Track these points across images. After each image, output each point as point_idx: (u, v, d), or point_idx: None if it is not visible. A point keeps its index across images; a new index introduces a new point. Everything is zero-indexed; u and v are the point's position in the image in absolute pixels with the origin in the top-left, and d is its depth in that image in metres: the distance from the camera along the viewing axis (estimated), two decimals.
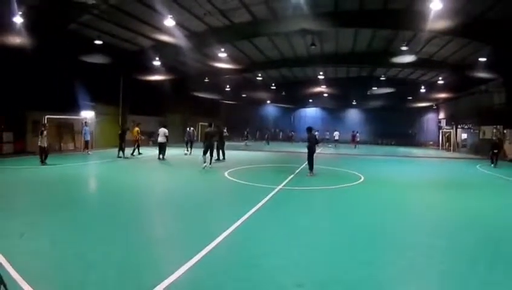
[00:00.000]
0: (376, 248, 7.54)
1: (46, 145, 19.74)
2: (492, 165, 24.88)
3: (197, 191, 14.00)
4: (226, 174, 17.55)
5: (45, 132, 19.77)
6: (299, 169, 20.48)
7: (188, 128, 30.41)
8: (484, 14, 24.14)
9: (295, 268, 6.24)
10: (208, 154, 19.24)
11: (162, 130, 24.42)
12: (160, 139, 24.38)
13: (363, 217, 10.27)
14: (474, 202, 12.93)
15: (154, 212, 10.77)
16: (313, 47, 32.71)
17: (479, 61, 31.41)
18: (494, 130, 35.25)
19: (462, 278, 6.02)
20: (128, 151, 25.68)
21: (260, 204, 11.05)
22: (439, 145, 52.30)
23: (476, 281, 5.88)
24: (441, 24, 24.87)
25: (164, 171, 20.47)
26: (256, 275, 5.91)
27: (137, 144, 26.69)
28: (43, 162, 19.31)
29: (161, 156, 24.20)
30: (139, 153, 26.66)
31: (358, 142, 47.74)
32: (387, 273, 6.21)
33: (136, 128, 27.02)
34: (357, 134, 48.72)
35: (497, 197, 14.31)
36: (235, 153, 30.34)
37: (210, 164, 19.05)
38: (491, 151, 25.53)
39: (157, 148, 25.16)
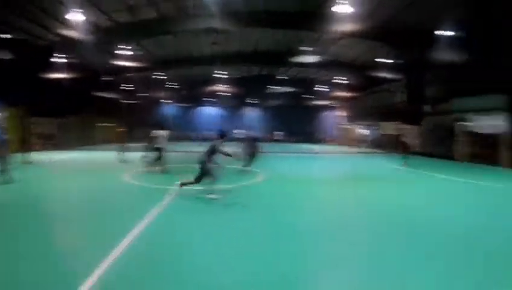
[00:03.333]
0: (284, 244, 7.49)
1: None
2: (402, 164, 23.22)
3: (96, 198, 12.48)
4: (128, 178, 16.37)
5: None
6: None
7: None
8: (393, 19, 25.43)
9: (210, 269, 6.04)
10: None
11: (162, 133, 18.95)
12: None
13: (262, 213, 10.27)
14: (374, 193, 13.68)
15: (52, 221, 9.28)
16: (216, 46, 32.43)
17: (384, 63, 32.95)
18: (395, 126, 37.24)
19: (379, 266, 6.33)
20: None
21: (163, 207, 10.51)
22: (339, 142, 54.19)
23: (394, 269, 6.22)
24: (349, 27, 25.80)
25: (65, 177, 18.83)
26: (170, 279, 5.61)
27: None
28: None
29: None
30: None
31: (277, 140, 48.01)
32: (294, 268, 6.18)
33: None
34: (275, 133, 48.86)
35: (394, 187, 15.44)
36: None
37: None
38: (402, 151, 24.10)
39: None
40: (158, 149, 18.45)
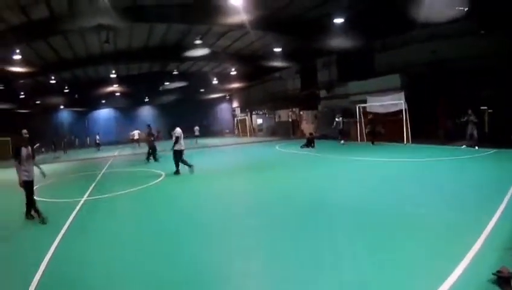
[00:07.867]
0: (192, 246, 7.79)
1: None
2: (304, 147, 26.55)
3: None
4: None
5: None
6: (100, 175, 20.43)
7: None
8: (284, 8, 26.65)
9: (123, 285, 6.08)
10: None
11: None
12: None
13: (168, 216, 10.72)
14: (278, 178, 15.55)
15: None
16: (107, 44, 32.08)
17: (274, 51, 34.43)
18: (290, 113, 39.36)
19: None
20: None
21: (69, 222, 10.04)
22: (235, 132, 55.54)
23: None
24: (238, 18, 26.45)
25: None
26: None
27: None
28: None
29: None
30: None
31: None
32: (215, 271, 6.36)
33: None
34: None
35: (291, 171, 17.54)
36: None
37: None
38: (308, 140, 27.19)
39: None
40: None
